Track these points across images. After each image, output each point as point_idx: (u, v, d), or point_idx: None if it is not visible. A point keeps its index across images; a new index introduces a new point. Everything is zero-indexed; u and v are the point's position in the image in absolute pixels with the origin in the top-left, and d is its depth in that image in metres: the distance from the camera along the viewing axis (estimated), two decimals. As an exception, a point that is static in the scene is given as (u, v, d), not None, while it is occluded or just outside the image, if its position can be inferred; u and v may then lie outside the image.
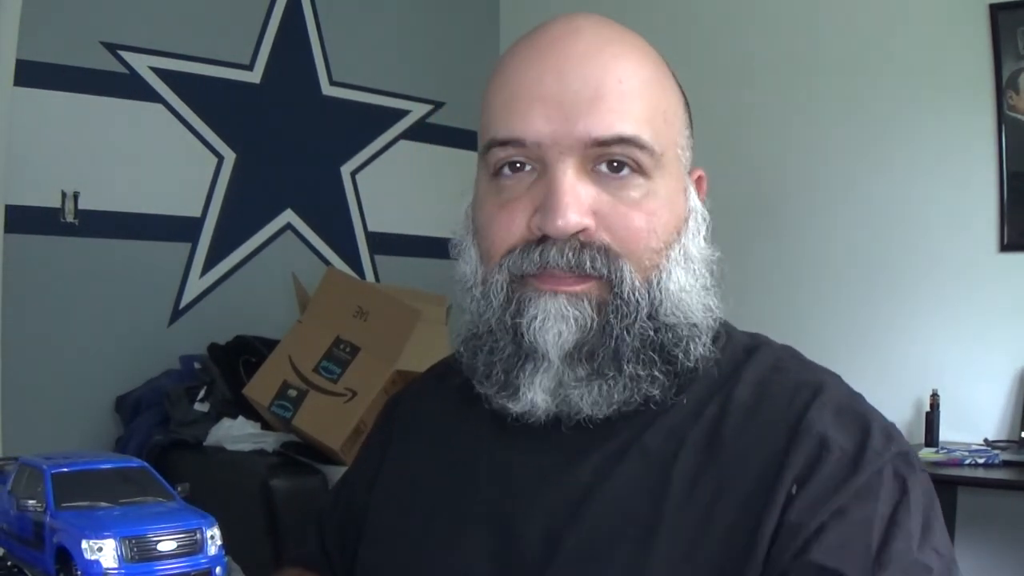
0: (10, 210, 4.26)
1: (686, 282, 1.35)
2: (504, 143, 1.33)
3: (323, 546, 1.67)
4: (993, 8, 4.56)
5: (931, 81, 4.72)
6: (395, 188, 5.69)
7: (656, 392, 1.33)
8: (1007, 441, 4.52)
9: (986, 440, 4.53)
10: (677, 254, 1.36)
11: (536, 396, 1.32)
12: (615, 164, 1.31)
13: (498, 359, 1.36)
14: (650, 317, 1.32)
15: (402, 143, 5.77)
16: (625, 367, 1.31)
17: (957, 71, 4.66)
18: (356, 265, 5.52)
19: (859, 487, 1.24)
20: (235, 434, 4.30)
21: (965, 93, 4.64)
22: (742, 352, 1.41)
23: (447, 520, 1.44)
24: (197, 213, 5.00)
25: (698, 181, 1.45)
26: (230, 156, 5.09)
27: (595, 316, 1.30)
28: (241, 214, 5.14)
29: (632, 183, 1.32)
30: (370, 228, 5.55)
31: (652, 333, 1.32)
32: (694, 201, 1.42)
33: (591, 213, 1.30)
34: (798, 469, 1.25)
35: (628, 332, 1.31)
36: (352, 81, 5.54)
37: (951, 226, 4.67)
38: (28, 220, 4.39)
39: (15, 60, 4.22)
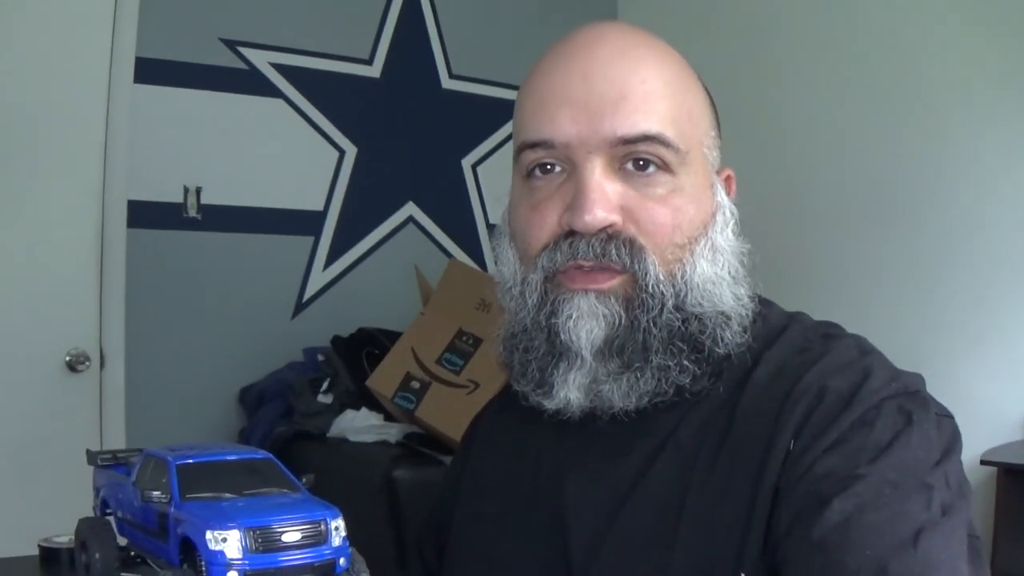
0: (133, 206, 4.32)
1: (712, 273, 1.39)
2: (534, 145, 1.38)
3: (424, 564, 1.74)
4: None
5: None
6: (516, 180, 5.64)
7: (687, 381, 1.36)
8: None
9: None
10: (703, 247, 1.39)
11: (570, 393, 1.37)
12: (641, 162, 1.36)
13: (533, 357, 1.40)
14: (677, 308, 1.35)
15: (522, 135, 5.71)
16: (653, 358, 1.34)
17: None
18: (478, 257, 5.51)
19: (854, 420, 1.26)
20: (358, 425, 4.32)
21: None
22: (773, 333, 1.44)
23: (512, 530, 1.50)
24: (320, 207, 5.04)
25: (727, 180, 1.49)
26: (351, 150, 5.12)
27: (622, 312, 1.34)
28: (363, 207, 5.17)
29: (658, 180, 1.36)
30: (491, 220, 5.53)
31: (679, 324, 1.35)
32: (721, 197, 1.45)
33: (618, 209, 1.35)
34: (795, 421, 1.28)
35: (655, 324, 1.34)
36: (471, 74, 5.54)
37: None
38: (151, 215, 4.47)
39: (135, 58, 4.29)
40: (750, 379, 1.37)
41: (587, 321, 1.33)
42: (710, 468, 1.32)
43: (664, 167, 1.35)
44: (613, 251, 1.33)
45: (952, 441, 1.29)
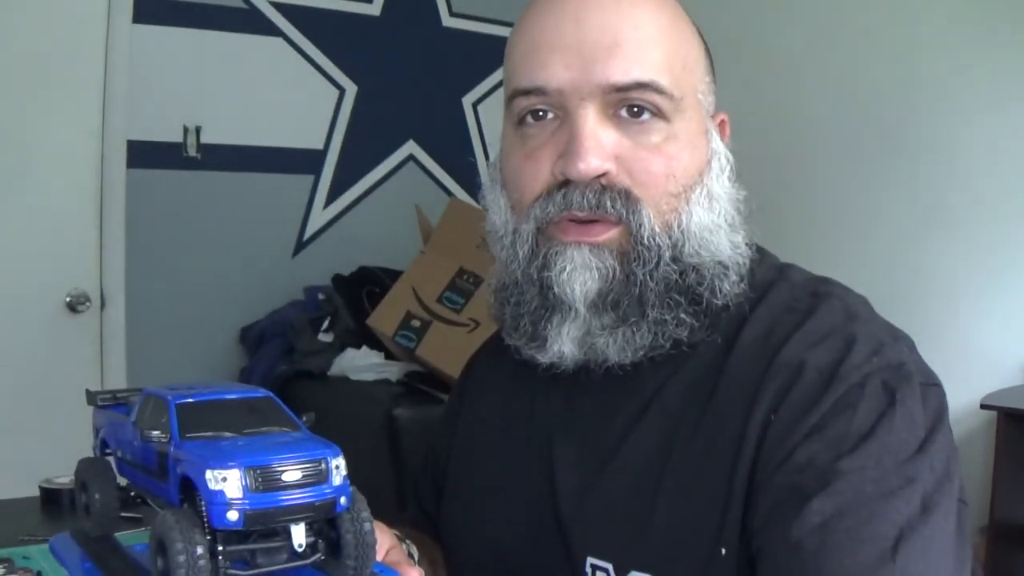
0: (133, 145, 4.33)
1: (709, 221, 1.37)
2: (527, 92, 1.36)
3: (421, 506, 1.74)
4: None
5: None
6: (516, 118, 5.63)
7: (684, 335, 1.34)
8: None
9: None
10: (699, 195, 1.37)
11: (564, 347, 1.36)
12: (635, 109, 1.33)
13: (525, 311, 1.39)
14: (674, 260, 1.34)
15: (522, 72, 5.70)
16: (649, 312, 1.33)
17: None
18: (479, 196, 5.43)
19: (835, 401, 1.24)
20: (359, 364, 4.34)
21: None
22: (758, 289, 1.41)
23: (506, 475, 1.52)
24: (320, 145, 5.04)
25: (721, 125, 1.47)
26: (351, 88, 5.10)
27: (617, 266, 1.33)
28: (363, 146, 5.16)
29: (652, 127, 1.34)
30: (492, 159, 5.45)
31: (676, 276, 1.34)
32: (717, 144, 1.43)
33: (612, 157, 1.33)
34: (774, 395, 1.27)
35: (651, 277, 1.32)
36: (472, 12, 5.52)
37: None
38: (151, 155, 4.47)
39: (133, -3, 4.27)
40: (739, 338, 1.35)
41: (580, 273, 1.32)
42: (692, 433, 1.31)
43: (658, 114, 1.33)
44: (608, 202, 1.31)
45: (938, 413, 1.27)
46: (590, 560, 1.35)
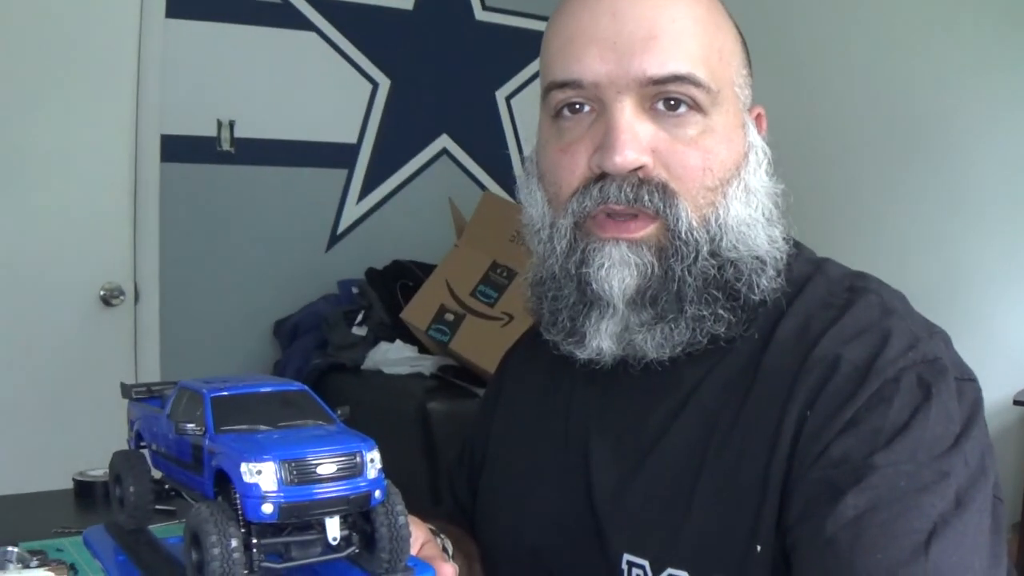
0: (166, 140, 4.34)
1: (746, 215, 1.36)
2: (563, 85, 1.35)
3: (456, 499, 1.74)
4: None
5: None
6: (550, 111, 5.63)
7: (721, 330, 1.34)
8: None
9: None
10: (736, 189, 1.36)
11: (602, 342, 1.35)
12: (672, 102, 1.32)
13: (563, 306, 1.39)
14: (712, 255, 1.33)
15: (556, 66, 5.69)
16: (688, 308, 1.32)
17: None
18: (512, 189, 5.41)
19: (870, 396, 1.24)
20: (392, 358, 4.34)
21: None
22: (795, 284, 1.41)
23: (542, 470, 1.51)
24: (353, 140, 5.04)
25: (758, 119, 1.46)
26: (384, 83, 5.10)
27: (655, 262, 1.32)
28: (397, 140, 5.16)
29: (689, 121, 1.33)
30: (526, 152, 5.43)
31: (715, 271, 1.33)
32: (753, 137, 1.42)
33: (649, 151, 1.32)
34: (809, 391, 1.26)
35: (689, 273, 1.32)
36: (505, 6, 5.50)
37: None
38: (184, 149, 4.48)
39: (167, -9, 4.28)
40: (776, 332, 1.35)
41: (619, 270, 1.31)
42: (729, 430, 1.31)
43: (695, 107, 1.32)
44: (645, 196, 1.30)
45: (973, 408, 1.26)
46: (626, 557, 1.35)
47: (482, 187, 5.31)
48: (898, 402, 1.22)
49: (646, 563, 1.33)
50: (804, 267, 1.44)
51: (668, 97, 1.31)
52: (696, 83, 1.31)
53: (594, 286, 1.33)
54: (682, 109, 1.32)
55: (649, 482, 1.35)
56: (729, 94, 1.37)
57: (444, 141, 5.32)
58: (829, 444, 1.22)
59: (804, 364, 1.28)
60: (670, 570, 1.30)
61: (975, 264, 4.52)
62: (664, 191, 1.31)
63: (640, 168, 1.30)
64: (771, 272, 1.36)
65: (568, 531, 1.44)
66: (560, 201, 1.37)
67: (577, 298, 1.36)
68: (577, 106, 1.35)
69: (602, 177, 1.32)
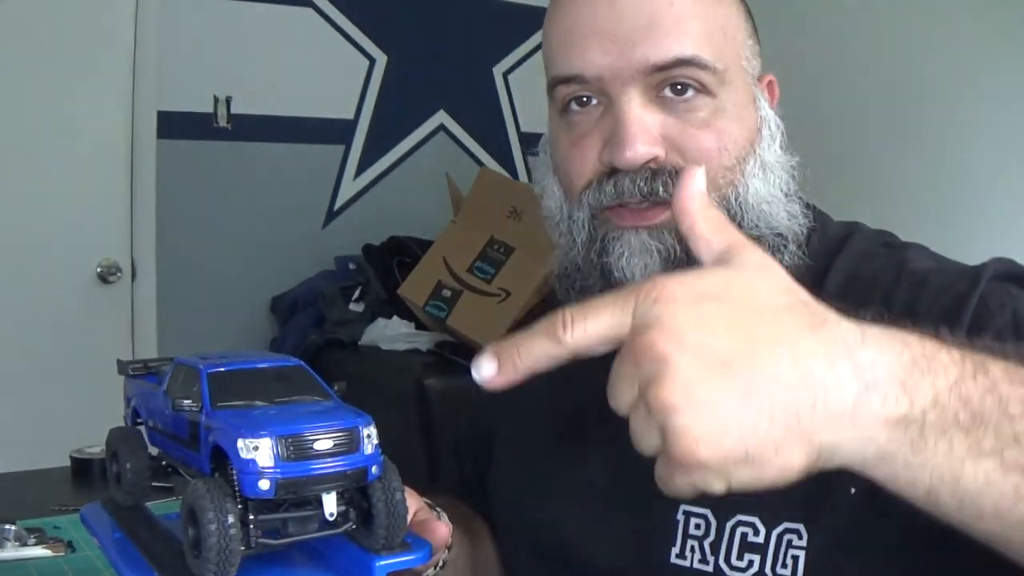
0: (163, 116, 4.33)
1: (766, 192, 1.35)
2: (567, 80, 1.33)
3: (462, 474, 1.73)
4: None
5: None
6: (547, 87, 5.62)
7: None
8: None
9: None
10: (753, 166, 1.35)
11: None
12: (679, 87, 1.30)
13: (592, 296, 1.35)
14: None
15: (554, 41, 5.68)
16: None
17: None
18: (509, 165, 5.49)
19: (978, 298, 1.22)
20: (390, 334, 4.35)
21: None
22: (834, 243, 1.40)
23: (569, 438, 1.47)
24: (350, 116, 5.04)
25: (769, 86, 1.43)
26: (381, 58, 5.09)
27: (677, 245, 1.28)
28: (394, 116, 5.15)
29: (698, 104, 1.31)
30: (523, 128, 5.51)
31: None
32: (765, 110, 1.40)
33: (660, 141, 1.29)
34: (903, 305, 1.26)
35: None
36: (502, -20, 5.49)
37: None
38: (181, 125, 4.47)
39: (164, -33, 4.27)
40: (822, 288, 1.31)
41: (641, 258, 1.29)
42: None
43: (703, 89, 1.30)
44: (660, 187, 1.27)
45: None
46: (683, 507, 1.31)
47: (479, 163, 5.30)
48: (1007, 302, 1.22)
49: (707, 511, 1.29)
50: (839, 228, 1.44)
51: (674, 82, 1.29)
52: (701, 65, 1.29)
53: (617, 275, 1.31)
54: (690, 93, 1.30)
55: None
56: (737, 70, 1.35)
57: (441, 117, 5.31)
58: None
59: (880, 288, 1.29)
60: (739, 516, 1.26)
61: (993, 244, 4.50)
62: (679, 177, 1.30)
63: (652, 160, 1.29)
64: (792, 247, 1.35)
65: (605, 493, 1.41)
66: (573, 192, 1.36)
67: (604, 287, 1.32)
68: (584, 99, 1.33)
69: (614, 172, 1.30)
